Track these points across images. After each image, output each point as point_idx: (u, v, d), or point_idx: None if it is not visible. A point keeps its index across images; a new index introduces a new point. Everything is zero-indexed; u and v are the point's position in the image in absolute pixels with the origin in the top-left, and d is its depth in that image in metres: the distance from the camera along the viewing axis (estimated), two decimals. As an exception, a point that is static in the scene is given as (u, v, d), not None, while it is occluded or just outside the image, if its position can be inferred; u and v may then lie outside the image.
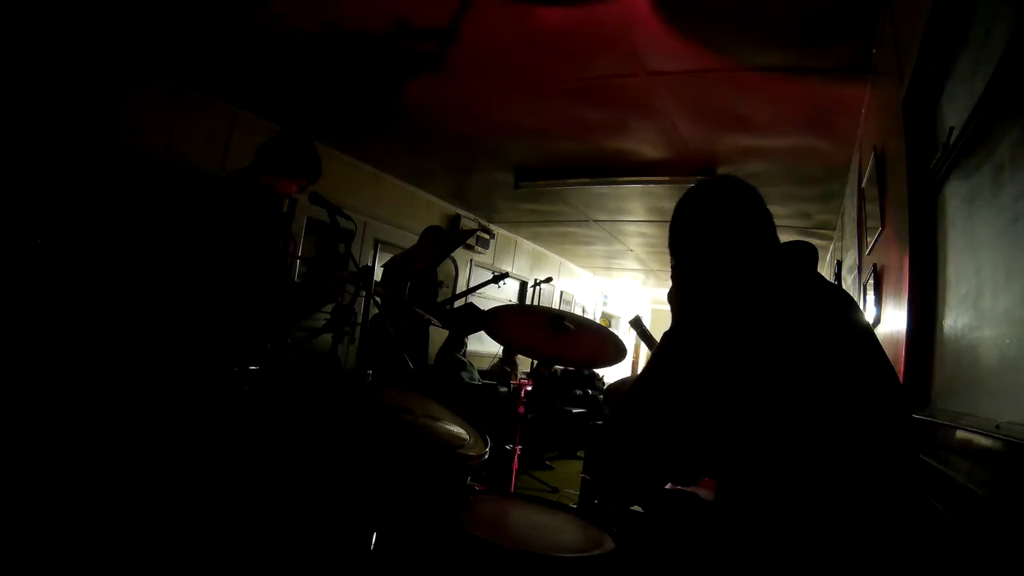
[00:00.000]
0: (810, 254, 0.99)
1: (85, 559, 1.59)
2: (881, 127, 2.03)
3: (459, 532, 1.14)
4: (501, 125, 3.56)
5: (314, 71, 3.03)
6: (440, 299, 3.30)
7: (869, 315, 2.11)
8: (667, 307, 1.10)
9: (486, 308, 2.21)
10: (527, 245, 7.38)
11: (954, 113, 1.23)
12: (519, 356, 5.94)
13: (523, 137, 3.76)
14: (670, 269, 1.13)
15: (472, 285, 3.12)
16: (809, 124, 2.96)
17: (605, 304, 10.22)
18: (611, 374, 7.01)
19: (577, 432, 5.61)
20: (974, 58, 1.10)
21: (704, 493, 1.30)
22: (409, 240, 4.79)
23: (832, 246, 4.72)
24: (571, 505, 1.60)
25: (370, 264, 2.08)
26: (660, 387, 0.89)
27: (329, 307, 2.35)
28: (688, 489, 1.33)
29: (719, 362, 0.84)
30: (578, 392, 6.32)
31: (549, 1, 2.17)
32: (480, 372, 5.21)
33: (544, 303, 7.00)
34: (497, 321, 1.96)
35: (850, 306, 0.99)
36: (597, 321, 7.95)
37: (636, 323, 1.85)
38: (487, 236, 6.24)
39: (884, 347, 0.94)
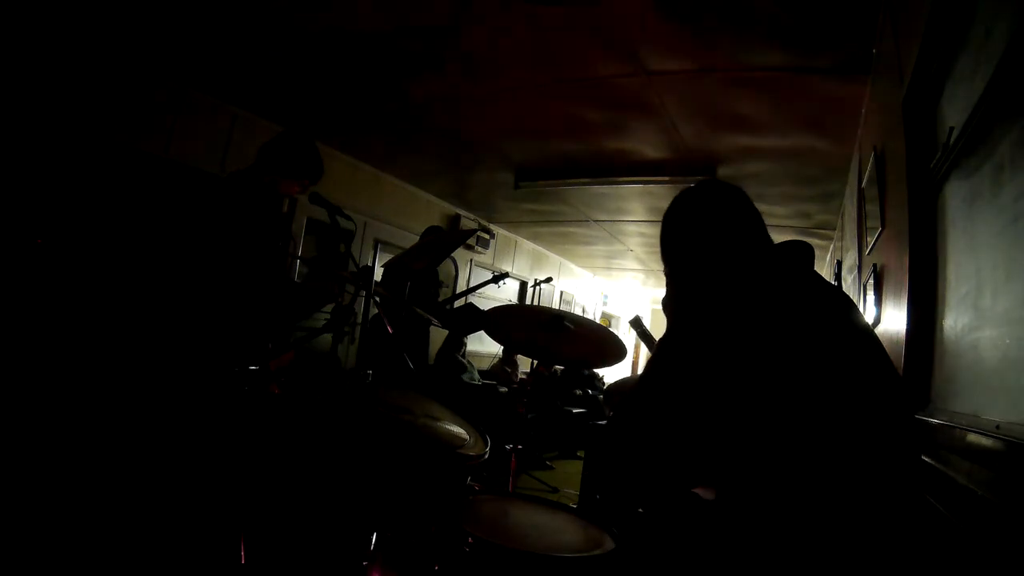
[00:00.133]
0: (806, 253, 0.99)
1: (85, 559, 1.59)
2: (881, 127, 2.03)
3: (459, 532, 1.14)
4: (501, 125, 3.57)
5: (314, 71, 3.03)
6: (440, 299, 3.29)
7: (869, 315, 2.11)
8: (667, 307, 1.10)
9: (486, 308, 2.21)
10: (527, 245, 7.38)
11: (954, 113, 1.23)
12: (519, 356, 5.94)
13: (523, 137, 3.76)
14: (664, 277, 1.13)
15: (472, 285, 3.12)
16: (809, 124, 2.96)
17: (605, 304, 10.23)
18: (611, 374, 7.01)
19: (577, 432, 5.61)
20: (974, 58, 1.10)
21: (704, 493, 1.30)
22: (409, 240, 4.79)
23: (832, 246, 4.72)
24: (571, 505, 1.60)
25: (370, 264, 2.08)
26: (660, 391, 0.89)
27: (329, 307, 2.35)
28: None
29: (717, 366, 0.84)
30: (578, 392, 6.32)
31: (549, 1, 2.17)
32: (480, 372, 5.21)
33: (544, 303, 7.00)
34: (497, 321, 1.96)
35: (848, 306, 0.99)
36: (597, 321, 7.95)
37: (636, 323, 1.85)
38: (487, 236, 6.24)
39: (884, 347, 0.94)
